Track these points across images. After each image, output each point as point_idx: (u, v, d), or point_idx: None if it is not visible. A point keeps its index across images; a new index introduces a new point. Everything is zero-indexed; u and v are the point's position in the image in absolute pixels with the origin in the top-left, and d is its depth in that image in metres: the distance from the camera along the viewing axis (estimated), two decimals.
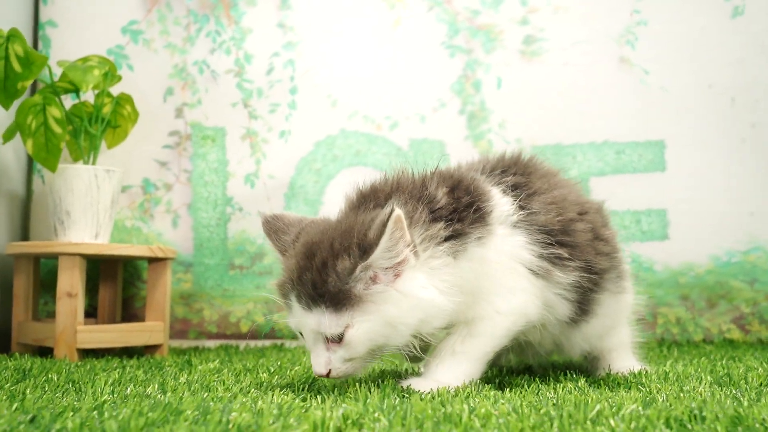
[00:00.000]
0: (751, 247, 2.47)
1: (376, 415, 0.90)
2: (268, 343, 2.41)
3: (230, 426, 0.82)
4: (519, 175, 1.40)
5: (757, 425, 0.86)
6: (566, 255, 1.34)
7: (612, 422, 0.85)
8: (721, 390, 1.20)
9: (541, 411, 0.92)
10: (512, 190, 1.36)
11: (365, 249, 1.16)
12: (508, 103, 2.52)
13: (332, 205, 2.26)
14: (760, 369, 1.49)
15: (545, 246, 1.33)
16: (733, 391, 1.16)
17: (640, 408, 0.93)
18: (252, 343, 2.40)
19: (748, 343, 2.37)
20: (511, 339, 1.35)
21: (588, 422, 0.86)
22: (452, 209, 1.26)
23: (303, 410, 0.95)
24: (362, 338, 1.18)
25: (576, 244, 1.37)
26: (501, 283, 1.30)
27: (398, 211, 1.16)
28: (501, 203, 1.33)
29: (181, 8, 2.49)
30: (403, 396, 1.11)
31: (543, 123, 2.51)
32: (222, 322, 2.43)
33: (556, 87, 2.52)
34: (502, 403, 0.98)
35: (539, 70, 2.53)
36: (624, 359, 1.59)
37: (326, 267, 1.17)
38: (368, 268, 1.17)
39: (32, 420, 0.91)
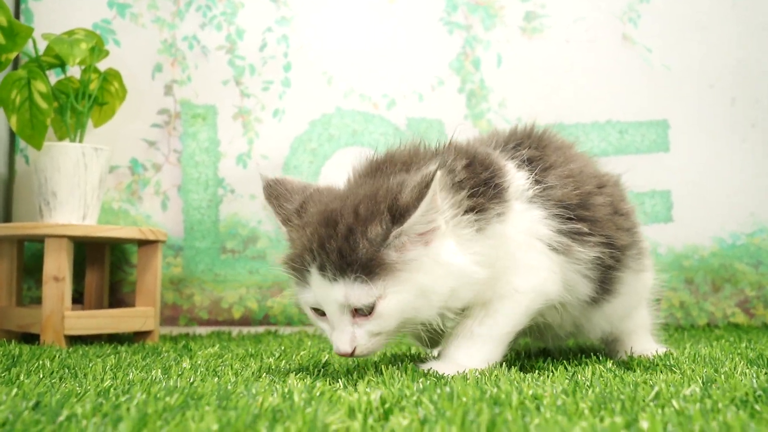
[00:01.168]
0: (756, 229, 2.42)
1: (415, 398, 0.82)
2: (261, 329, 2.33)
3: (263, 410, 0.74)
4: (533, 149, 1.33)
5: None
6: (586, 230, 1.27)
7: (675, 404, 0.78)
8: (761, 370, 1.14)
9: (595, 390, 0.85)
10: (527, 164, 1.29)
11: (401, 213, 1.08)
12: (509, 81, 2.45)
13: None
14: None
15: (563, 221, 1.26)
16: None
17: (697, 389, 0.86)
18: (245, 330, 2.31)
19: (754, 327, 2.32)
20: (530, 318, 1.28)
21: (651, 404, 0.79)
22: (472, 183, 1.19)
23: (334, 393, 0.87)
24: (395, 309, 1.09)
25: (596, 219, 1.30)
26: (519, 260, 1.23)
27: (440, 173, 1.08)
28: (516, 177, 1.26)
29: None
30: (436, 379, 1.03)
31: (544, 102, 2.44)
32: (213, 308, 2.34)
33: (557, 65, 2.45)
34: (549, 385, 0.91)
35: (540, 48, 2.46)
36: (645, 341, 1.53)
37: (354, 234, 1.08)
38: (402, 234, 1.08)
39: (36, 406, 0.82)
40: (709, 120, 2.45)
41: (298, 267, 1.13)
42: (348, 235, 1.08)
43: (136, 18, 2.37)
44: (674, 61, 2.46)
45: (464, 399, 0.80)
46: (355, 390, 0.88)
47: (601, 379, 1.05)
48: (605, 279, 1.32)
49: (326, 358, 1.46)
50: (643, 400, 0.81)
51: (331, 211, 1.12)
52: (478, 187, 1.19)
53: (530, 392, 0.84)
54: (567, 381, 1.01)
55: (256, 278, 2.35)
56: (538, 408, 0.77)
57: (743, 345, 1.62)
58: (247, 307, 2.34)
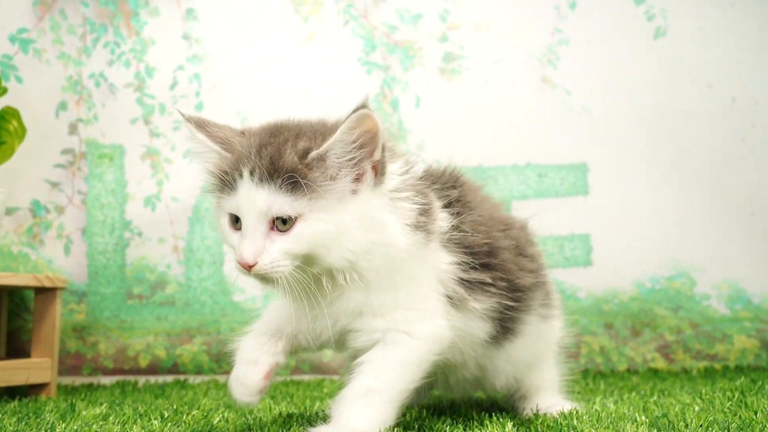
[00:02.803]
0: (675, 273, 2.41)
1: None
2: (170, 378, 2.23)
3: None
4: (454, 189, 1.28)
5: None
6: (488, 280, 1.23)
7: None
8: None
9: None
10: (449, 206, 1.24)
11: (324, 136, 1.11)
12: (427, 122, 2.41)
13: None
14: (696, 407, 1.39)
15: (467, 270, 1.22)
16: None
17: None
18: (153, 379, 2.21)
19: (673, 373, 2.29)
20: (428, 368, 1.21)
21: None
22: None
23: None
24: (311, 234, 1.09)
25: (499, 264, 1.25)
26: (417, 301, 1.18)
27: (368, 111, 1.08)
28: (440, 217, 1.21)
29: (76, 16, 2.30)
30: None
31: (463, 144, 2.41)
32: (119, 356, 2.23)
33: (477, 106, 2.43)
34: None
35: (459, 89, 2.43)
36: (552, 397, 1.47)
37: (287, 144, 1.11)
38: (326, 154, 1.10)
39: None
40: (629, 163, 2.44)
41: (229, 172, 1.12)
42: (282, 144, 1.11)
43: (40, 54, 2.28)
44: (594, 104, 2.45)
45: None
46: None
47: None
48: (506, 319, 1.28)
49: (218, 419, 1.38)
50: None
51: (279, 126, 1.18)
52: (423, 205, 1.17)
53: None
54: None
55: (165, 325, 2.25)
56: None
57: (654, 398, 1.58)
58: (155, 355, 2.24)
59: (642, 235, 2.42)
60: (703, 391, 1.67)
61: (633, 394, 1.72)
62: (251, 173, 1.09)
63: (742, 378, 1.96)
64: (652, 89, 2.46)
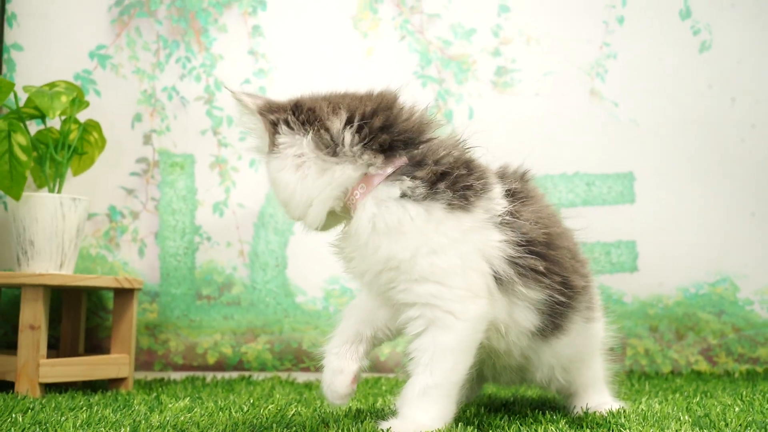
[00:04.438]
0: (718, 279, 2.49)
1: None
2: (235, 375, 2.37)
3: None
4: (518, 182, 1.39)
5: None
6: (541, 268, 1.32)
7: None
8: (701, 431, 1.19)
9: None
10: (510, 195, 1.35)
11: None
12: (480, 133, 2.51)
13: (302, 236, 2.24)
14: (736, 408, 1.49)
15: (521, 252, 1.30)
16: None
17: None
18: (219, 375, 2.35)
19: (716, 375, 2.38)
20: (477, 348, 1.30)
21: None
22: (443, 171, 1.27)
23: None
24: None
25: (556, 259, 1.35)
26: (458, 278, 1.26)
27: (233, 90, 1.38)
28: (496, 199, 1.31)
29: (150, 33, 2.45)
30: None
31: (514, 154, 2.44)
32: (188, 353, 2.38)
33: (527, 118, 2.53)
34: None
35: (511, 101, 2.54)
36: (600, 396, 1.57)
37: None
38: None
39: None
40: (674, 173, 2.52)
41: None
42: None
43: (117, 69, 2.44)
44: (640, 115, 2.54)
45: None
46: None
47: None
48: (555, 314, 1.37)
49: (293, 412, 1.51)
50: None
51: None
52: (448, 177, 1.27)
53: None
54: None
55: (231, 324, 2.39)
56: None
57: (696, 399, 1.68)
58: (222, 353, 2.38)
59: (686, 243, 2.51)
60: (744, 393, 1.77)
61: (677, 395, 1.81)
62: None
63: None
64: (696, 101, 2.54)
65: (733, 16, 2.56)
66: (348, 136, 1.29)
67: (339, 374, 1.36)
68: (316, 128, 1.30)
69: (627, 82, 2.55)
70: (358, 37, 2.52)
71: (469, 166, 1.31)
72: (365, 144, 1.29)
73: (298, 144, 1.29)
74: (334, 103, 1.35)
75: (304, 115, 1.32)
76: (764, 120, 2.53)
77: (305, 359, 2.39)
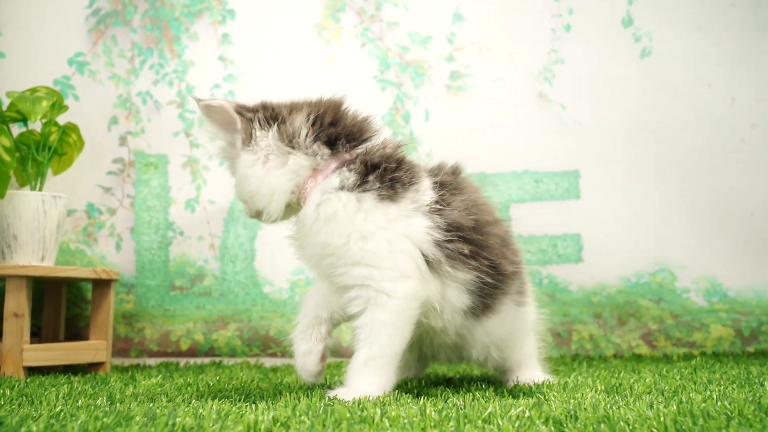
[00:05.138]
0: (658, 269, 2.68)
1: (302, 418, 1.05)
2: (207, 360, 2.54)
3: (176, 428, 0.96)
4: (449, 175, 1.58)
5: (622, 423, 1.03)
6: (466, 251, 1.49)
7: (499, 421, 1.02)
8: (608, 397, 1.38)
9: (443, 413, 1.08)
10: (439, 187, 1.52)
11: None
12: (435, 134, 2.70)
13: (269, 230, 2.42)
14: (647, 379, 1.68)
15: (448, 237, 1.47)
16: (616, 398, 1.34)
17: (526, 410, 1.10)
18: (192, 361, 2.52)
19: (655, 358, 2.57)
20: (412, 326, 1.47)
21: (480, 421, 1.03)
22: (375, 164, 1.47)
23: (239, 415, 1.09)
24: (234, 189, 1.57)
25: (485, 244, 1.52)
26: (387, 260, 1.44)
27: (202, 103, 1.52)
28: (425, 193, 1.49)
29: (126, 41, 2.62)
30: (328, 403, 1.26)
31: (468, 153, 2.69)
32: (163, 340, 2.54)
33: (480, 120, 2.71)
34: (411, 408, 1.14)
35: (464, 104, 2.71)
36: (532, 371, 1.75)
37: None
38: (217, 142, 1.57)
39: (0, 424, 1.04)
40: (617, 171, 2.71)
41: None
42: None
43: (94, 75, 2.60)
44: (586, 117, 2.73)
45: (337, 419, 1.02)
46: (255, 411, 1.11)
47: (471, 402, 1.28)
48: (486, 296, 1.54)
49: (254, 388, 1.68)
50: (477, 418, 1.04)
51: None
52: (380, 171, 1.46)
53: (393, 413, 1.07)
54: (441, 404, 1.24)
55: (203, 313, 2.56)
56: (392, 425, 1.00)
57: (621, 374, 1.87)
58: (194, 340, 2.55)
59: (628, 235, 2.69)
60: (665, 369, 1.96)
61: (607, 371, 2.00)
62: None
63: (695, 360, 2.24)
64: (637, 104, 2.73)
65: (672, 24, 2.75)
66: (304, 129, 1.50)
67: (308, 355, 1.56)
68: (279, 123, 1.51)
69: (573, 86, 2.74)
70: (322, 44, 2.69)
71: (399, 161, 1.49)
72: (316, 136, 1.50)
73: (265, 138, 1.49)
74: (294, 104, 1.58)
75: (269, 113, 1.52)
76: (698, 122, 2.72)
77: (272, 345, 2.56)
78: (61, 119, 2.39)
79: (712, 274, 2.68)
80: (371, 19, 2.71)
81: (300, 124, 1.51)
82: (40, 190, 2.28)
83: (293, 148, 1.49)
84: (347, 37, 2.71)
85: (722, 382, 1.60)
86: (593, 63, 2.75)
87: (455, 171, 1.61)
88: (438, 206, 1.49)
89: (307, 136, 1.50)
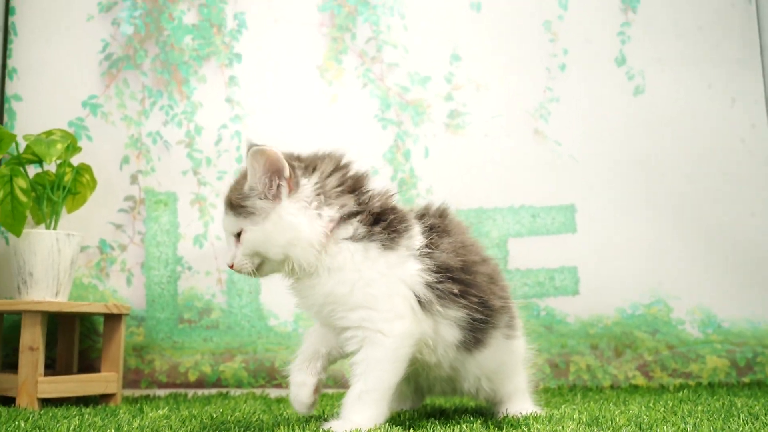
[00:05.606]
0: (653, 301, 2.75)
1: None
2: (214, 391, 2.62)
3: None
4: (436, 218, 1.67)
5: None
6: (456, 291, 1.58)
7: None
8: (587, 428, 1.45)
9: None
10: (428, 231, 1.62)
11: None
12: (435, 170, 2.79)
13: None
14: (630, 411, 1.75)
15: (439, 279, 1.57)
16: (595, 430, 1.42)
17: None
18: (200, 392, 2.61)
19: (651, 389, 2.63)
20: (406, 363, 1.56)
21: None
22: (378, 213, 1.57)
23: None
24: (249, 241, 1.54)
25: (473, 283, 1.62)
26: (383, 303, 1.53)
27: (256, 148, 1.52)
28: (415, 236, 1.60)
29: (137, 84, 2.73)
30: None
31: (466, 189, 2.79)
32: (172, 372, 2.63)
33: (478, 156, 2.80)
34: None
35: (463, 141, 2.81)
36: (521, 403, 1.83)
37: (235, 187, 1.59)
38: (252, 188, 1.54)
39: None
40: (612, 205, 2.79)
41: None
42: (233, 187, 1.59)
43: (107, 116, 2.71)
44: (580, 153, 2.82)
45: None
46: None
47: None
48: (476, 330, 1.63)
49: (255, 419, 1.76)
50: None
51: (240, 173, 1.62)
52: (384, 222, 1.56)
53: None
54: None
55: (210, 345, 2.65)
56: None
57: (610, 407, 1.94)
58: (202, 371, 2.64)
59: (624, 268, 2.77)
60: (651, 400, 2.03)
61: (596, 404, 2.07)
62: (225, 206, 1.59)
63: (683, 392, 2.30)
64: (630, 139, 2.82)
65: (664, 62, 2.84)
66: (333, 180, 1.59)
67: (302, 387, 1.64)
68: (315, 174, 1.59)
69: (568, 123, 2.83)
70: (324, 85, 2.80)
71: (393, 210, 1.59)
72: (342, 188, 1.59)
73: (306, 187, 1.56)
74: (316, 156, 1.65)
75: (306, 164, 1.61)
76: (680, 160, 2.81)
77: (277, 376, 2.64)
78: (75, 159, 2.49)
79: (706, 306, 2.75)
80: (372, 61, 2.81)
81: (327, 175, 1.59)
82: (55, 228, 2.38)
83: (326, 198, 1.56)
84: (349, 78, 2.81)
85: (700, 415, 1.67)
86: (588, 100, 2.84)
87: (442, 213, 1.70)
88: (428, 250, 1.58)
89: (334, 187, 1.58)
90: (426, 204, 1.73)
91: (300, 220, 1.53)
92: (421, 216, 1.67)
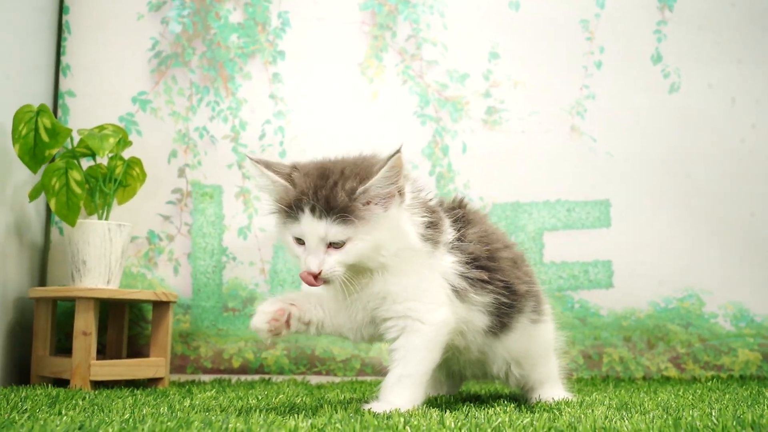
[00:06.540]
0: (686, 295, 2.80)
1: (336, 425, 1.22)
2: (257, 377, 2.72)
3: (229, 430, 1.14)
4: (460, 209, 1.75)
5: None
6: (485, 277, 1.68)
7: (507, 430, 1.17)
8: (616, 412, 1.52)
9: (459, 423, 1.24)
10: (455, 223, 1.71)
11: (363, 175, 1.52)
12: (472, 165, 2.86)
13: None
14: (659, 398, 1.81)
15: (469, 268, 1.66)
16: (623, 413, 1.48)
17: (533, 421, 1.25)
18: (243, 377, 2.70)
19: (684, 381, 2.68)
20: (442, 349, 1.65)
21: (489, 429, 1.18)
22: (429, 220, 1.64)
23: (282, 422, 1.27)
24: (358, 250, 1.52)
25: (498, 268, 1.70)
26: (426, 295, 1.62)
27: (400, 154, 1.51)
28: (447, 230, 1.68)
29: (185, 81, 2.84)
30: (361, 414, 1.42)
31: (503, 183, 2.85)
32: (216, 358, 2.73)
33: (514, 152, 2.87)
34: (432, 418, 1.30)
35: (500, 137, 2.87)
36: (553, 389, 1.90)
37: (337, 187, 1.51)
38: (367, 190, 1.51)
39: (80, 428, 1.22)
40: (646, 200, 2.84)
41: (293, 206, 1.53)
42: (333, 187, 1.51)
43: (156, 112, 2.82)
44: (616, 149, 2.87)
45: (366, 426, 1.19)
46: (296, 419, 1.28)
47: (490, 416, 1.43)
48: (502, 315, 1.71)
49: (298, 401, 1.85)
50: (488, 427, 1.20)
51: (325, 168, 1.55)
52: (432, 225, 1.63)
53: (415, 422, 1.23)
54: (462, 416, 1.40)
55: (253, 333, 2.74)
56: None
57: (641, 395, 1.99)
58: (245, 358, 2.73)
59: (657, 262, 2.82)
60: (683, 389, 2.08)
61: (625, 392, 2.13)
62: (312, 210, 1.51)
63: (711, 382, 2.35)
64: (665, 136, 2.86)
65: (699, 60, 2.88)
66: (411, 190, 1.65)
67: (270, 304, 1.64)
68: (410, 181, 1.65)
69: (604, 120, 2.88)
70: (365, 82, 2.88)
71: (433, 210, 1.66)
72: (417, 195, 1.66)
73: (408, 195, 1.61)
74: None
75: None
76: (714, 156, 2.86)
77: (317, 364, 2.73)
78: (126, 153, 2.60)
79: (739, 300, 2.80)
80: (412, 58, 2.89)
81: (412, 182, 1.66)
82: (107, 219, 2.49)
83: (417, 204, 1.64)
84: (389, 75, 2.89)
85: (727, 402, 1.72)
86: (623, 98, 2.89)
87: (461, 203, 1.78)
88: (458, 241, 1.66)
89: (416, 194, 1.65)
90: (440, 198, 1.80)
91: (409, 228, 1.59)
92: (450, 209, 1.74)
